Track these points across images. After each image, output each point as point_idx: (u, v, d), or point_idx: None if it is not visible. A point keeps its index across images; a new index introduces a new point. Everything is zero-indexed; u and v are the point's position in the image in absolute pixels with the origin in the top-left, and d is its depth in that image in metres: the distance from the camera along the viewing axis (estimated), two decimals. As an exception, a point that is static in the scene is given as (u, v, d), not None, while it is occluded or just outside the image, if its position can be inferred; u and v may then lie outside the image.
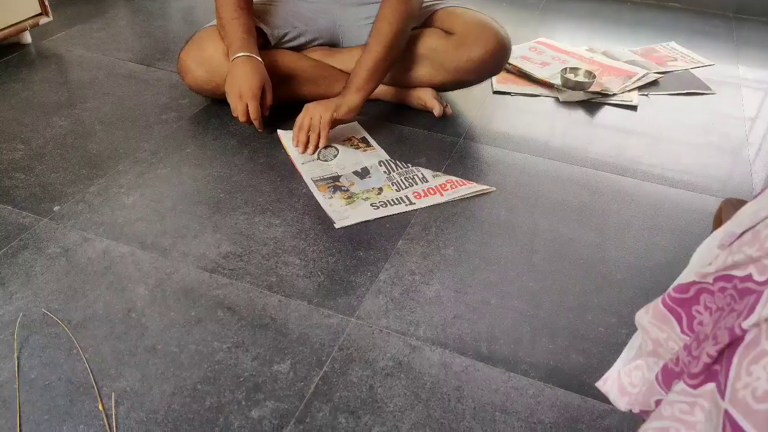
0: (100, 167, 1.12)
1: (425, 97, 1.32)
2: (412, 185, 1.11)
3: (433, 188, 1.10)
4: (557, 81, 1.50)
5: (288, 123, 1.29)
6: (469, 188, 1.11)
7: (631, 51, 1.73)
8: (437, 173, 1.14)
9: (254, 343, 0.80)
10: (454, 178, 1.13)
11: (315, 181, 1.10)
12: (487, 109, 1.41)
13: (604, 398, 0.76)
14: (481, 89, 1.45)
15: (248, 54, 1.15)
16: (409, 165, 1.15)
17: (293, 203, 1.06)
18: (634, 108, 1.45)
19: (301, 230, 1.00)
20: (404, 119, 1.33)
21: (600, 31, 1.89)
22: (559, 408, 0.75)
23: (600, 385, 0.59)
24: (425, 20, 1.28)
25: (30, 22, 1.50)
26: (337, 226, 1.01)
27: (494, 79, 1.52)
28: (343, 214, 1.03)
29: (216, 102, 1.32)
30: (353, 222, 1.02)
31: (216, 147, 1.21)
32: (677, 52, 1.74)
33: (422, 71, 1.28)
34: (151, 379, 0.75)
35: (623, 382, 0.57)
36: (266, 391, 0.74)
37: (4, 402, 0.71)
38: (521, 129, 1.34)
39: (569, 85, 1.47)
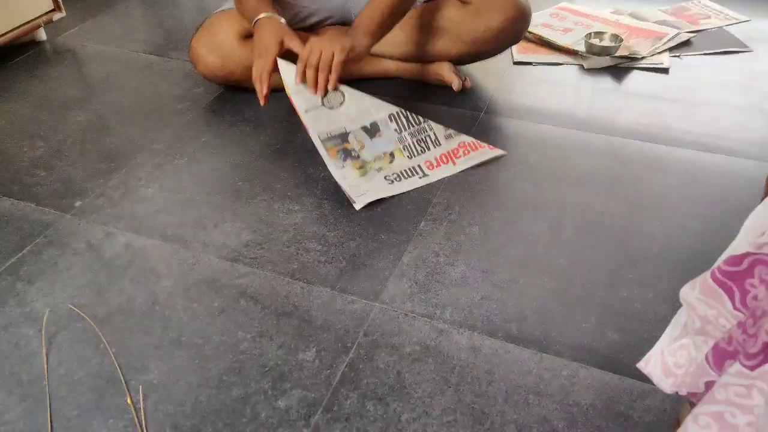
0: (118, 160, 1.12)
1: (443, 71, 1.27)
2: (425, 151, 1.08)
3: (446, 155, 1.07)
4: (581, 47, 1.43)
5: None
6: (482, 153, 1.09)
7: (661, 11, 1.64)
8: (449, 131, 1.10)
9: (278, 331, 0.79)
10: (466, 140, 1.10)
11: (323, 142, 1.03)
12: (508, 80, 1.36)
13: (643, 377, 0.72)
14: (501, 60, 1.40)
15: (266, 14, 1.09)
16: (420, 119, 1.10)
17: (312, 188, 1.04)
18: (665, 71, 1.38)
19: (321, 215, 0.98)
20: (422, 96, 1.29)
21: (626, -8, 1.80)
22: (595, 389, 0.72)
23: (642, 366, 0.55)
24: (441, -9, 1.23)
25: (44, 18, 1.50)
26: (357, 207, 0.98)
27: (514, 49, 1.46)
28: (359, 189, 1.00)
29: (230, 89, 1.30)
30: (371, 199, 0.99)
31: (232, 135, 1.19)
32: (710, 9, 1.65)
33: (439, 44, 1.23)
34: (177, 372, 0.74)
35: (667, 362, 0.53)
36: (292, 380, 0.73)
37: (35, 398, 0.72)
38: (545, 100, 1.29)
39: (594, 50, 1.41)
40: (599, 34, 1.45)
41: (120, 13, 1.71)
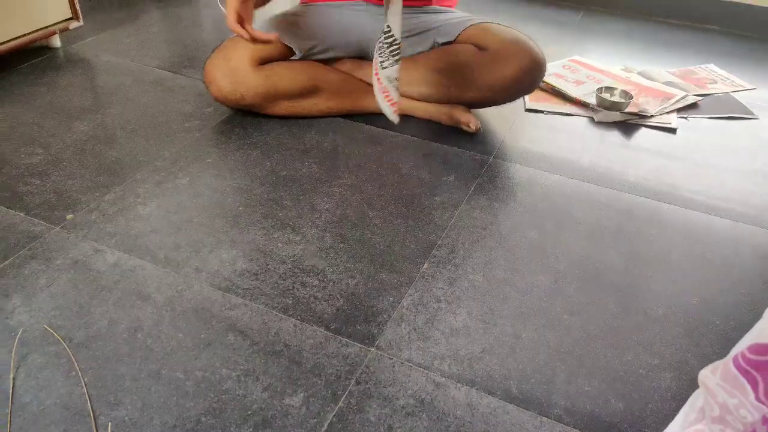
0: (118, 175, 1.09)
1: (457, 113, 1.27)
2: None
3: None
4: (592, 100, 1.44)
5: (312, 135, 1.25)
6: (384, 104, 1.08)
7: (669, 72, 1.66)
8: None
9: (265, 372, 0.75)
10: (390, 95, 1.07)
11: None
12: (518, 127, 1.35)
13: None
14: (513, 106, 1.39)
15: None
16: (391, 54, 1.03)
17: (315, 219, 1.01)
18: (673, 131, 1.38)
19: (321, 248, 0.95)
20: (434, 136, 1.27)
21: (636, 51, 1.82)
22: (596, 459, 0.68)
23: (652, 446, 0.52)
24: (458, 36, 1.23)
25: (60, 26, 1.49)
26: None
27: (527, 96, 1.46)
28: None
29: (240, 112, 1.29)
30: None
31: (238, 158, 1.17)
32: (717, 75, 1.67)
33: (453, 87, 1.23)
34: (152, 409, 0.69)
35: (680, 445, 0.50)
36: (276, 427, 0.69)
37: (-5, 425, 0.67)
38: (554, 149, 1.28)
39: (605, 105, 1.41)
40: (610, 89, 1.46)
41: (139, 27, 1.71)
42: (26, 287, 0.85)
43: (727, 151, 1.32)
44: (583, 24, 1.98)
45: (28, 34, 1.42)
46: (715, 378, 0.44)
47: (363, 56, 1.31)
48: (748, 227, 1.08)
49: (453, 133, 1.29)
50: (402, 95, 1.28)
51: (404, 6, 1.04)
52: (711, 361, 0.82)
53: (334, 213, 1.03)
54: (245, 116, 1.28)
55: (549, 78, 1.52)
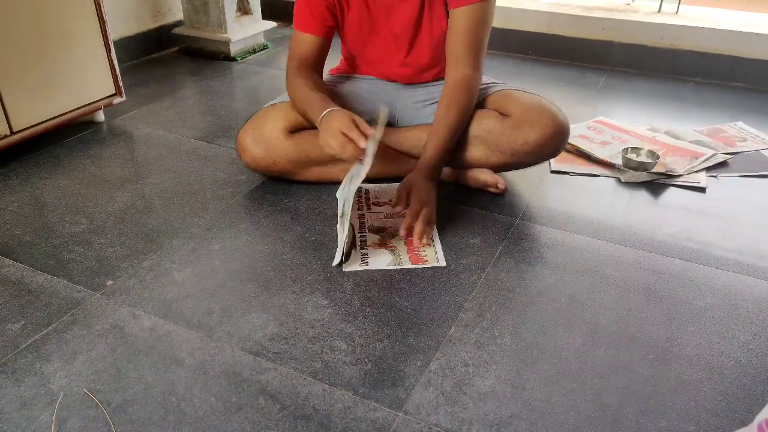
0: (155, 242, 1.14)
1: (483, 176, 1.29)
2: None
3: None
4: (618, 161, 1.44)
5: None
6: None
7: (696, 131, 1.66)
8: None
9: (295, 437, 0.75)
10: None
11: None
12: (544, 188, 1.37)
13: None
14: (538, 168, 1.41)
15: (333, 108, 1.10)
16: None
17: (343, 283, 1.03)
18: (702, 190, 1.37)
19: (349, 312, 0.96)
20: (460, 198, 1.30)
21: (661, 111, 1.83)
22: None
23: None
24: (481, 101, 1.27)
25: (104, 101, 1.60)
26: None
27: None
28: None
29: (271, 179, 1.34)
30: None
31: (269, 224, 1.21)
32: (746, 133, 1.66)
33: (478, 153, 1.25)
34: (185, 474, 0.70)
35: None
36: (305, 494, 0.68)
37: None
38: (581, 210, 1.28)
39: (631, 165, 1.42)
40: (636, 150, 1.46)
41: (176, 100, 1.82)
42: (67, 352, 0.88)
43: (759, 210, 1.30)
44: (608, 85, 2.01)
45: (75, 109, 1.52)
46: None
47: (390, 124, 1.36)
48: (785, 287, 1.06)
49: (477, 195, 1.31)
50: None
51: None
52: (751, 428, 0.79)
53: (362, 277, 1.05)
54: (276, 183, 1.33)
55: (574, 139, 1.53)
